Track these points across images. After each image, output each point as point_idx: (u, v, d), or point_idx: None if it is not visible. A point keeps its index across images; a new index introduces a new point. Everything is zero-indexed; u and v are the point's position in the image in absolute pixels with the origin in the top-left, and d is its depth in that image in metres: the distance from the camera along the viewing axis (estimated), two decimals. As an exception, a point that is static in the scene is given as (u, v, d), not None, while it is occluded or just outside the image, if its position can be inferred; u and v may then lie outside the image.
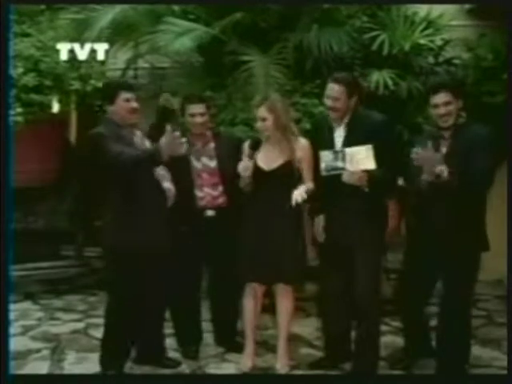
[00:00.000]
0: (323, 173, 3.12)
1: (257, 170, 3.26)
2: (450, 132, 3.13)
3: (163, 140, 2.94)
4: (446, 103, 3.09)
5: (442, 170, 2.92)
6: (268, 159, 3.29)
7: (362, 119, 3.19)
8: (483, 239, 3.19)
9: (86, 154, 3.26)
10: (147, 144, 3.26)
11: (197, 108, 3.45)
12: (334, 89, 3.17)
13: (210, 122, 3.58)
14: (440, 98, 3.10)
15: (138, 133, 3.28)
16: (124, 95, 3.19)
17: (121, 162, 2.99)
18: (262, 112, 3.26)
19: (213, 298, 3.73)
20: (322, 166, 3.11)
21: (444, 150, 3.11)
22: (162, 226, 3.18)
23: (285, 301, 3.37)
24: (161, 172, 3.22)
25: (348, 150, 3.09)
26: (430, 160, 2.95)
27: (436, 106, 3.12)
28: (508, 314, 3.38)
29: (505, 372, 3.23)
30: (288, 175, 3.27)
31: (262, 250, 3.26)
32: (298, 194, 3.13)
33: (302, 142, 3.31)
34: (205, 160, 3.49)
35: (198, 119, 3.45)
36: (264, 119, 3.26)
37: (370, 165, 3.04)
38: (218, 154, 3.50)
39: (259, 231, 3.28)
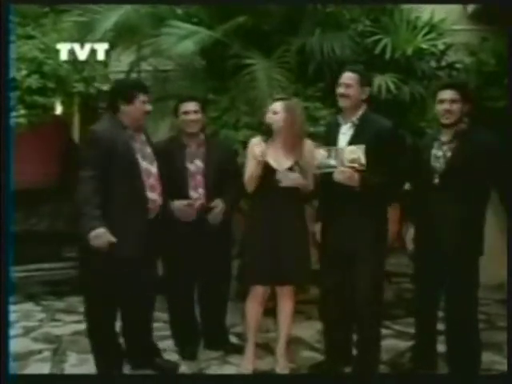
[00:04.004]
0: (316, 170, 3.14)
1: (268, 168, 3.22)
2: (452, 135, 3.14)
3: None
4: (452, 100, 3.12)
5: None
6: (278, 158, 3.25)
7: (371, 122, 3.17)
8: (481, 243, 3.19)
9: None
10: (148, 150, 3.22)
11: (190, 106, 3.50)
12: (346, 76, 3.19)
13: (204, 122, 3.61)
14: (447, 94, 3.14)
15: (141, 137, 3.24)
16: (142, 97, 3.17)
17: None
18: (277, 106, 3.26)
19: (200, 301, 3.71)
20: (316, 163, 3.13)
21: (449, 154, 3.13)
22: (137, 233, 3.09)
23: (288, 302, 3.37)
24: (151, 181, 3.18)
25: (340, 148, 3.10)
26: None
27: (442, 101, 3.14)
28: (508, 317, 3.38)
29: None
30: None
31: (272, 251, 3.23)
32: (292, 178, 3.18)
33: (309, 144, 3.32)
34: (198, 162, 3.52)
35: (192, 116, 3.49)
36: (276, 113, 3.25)
37: (360, 164, 3.03)
38: (207, 158, 3.52)
39: (269, 232, 3.25)
